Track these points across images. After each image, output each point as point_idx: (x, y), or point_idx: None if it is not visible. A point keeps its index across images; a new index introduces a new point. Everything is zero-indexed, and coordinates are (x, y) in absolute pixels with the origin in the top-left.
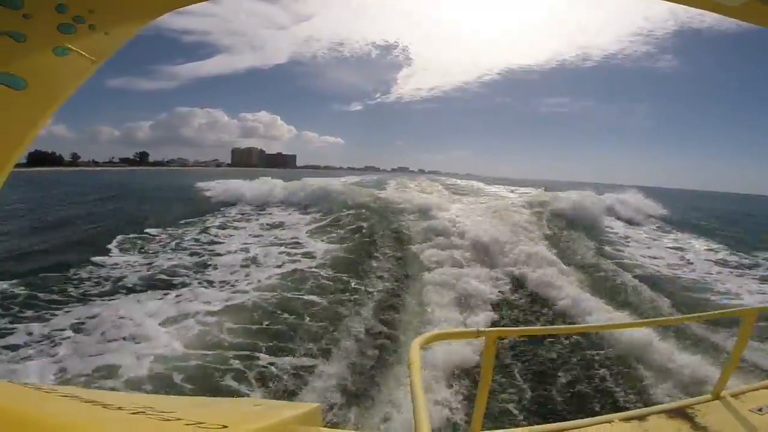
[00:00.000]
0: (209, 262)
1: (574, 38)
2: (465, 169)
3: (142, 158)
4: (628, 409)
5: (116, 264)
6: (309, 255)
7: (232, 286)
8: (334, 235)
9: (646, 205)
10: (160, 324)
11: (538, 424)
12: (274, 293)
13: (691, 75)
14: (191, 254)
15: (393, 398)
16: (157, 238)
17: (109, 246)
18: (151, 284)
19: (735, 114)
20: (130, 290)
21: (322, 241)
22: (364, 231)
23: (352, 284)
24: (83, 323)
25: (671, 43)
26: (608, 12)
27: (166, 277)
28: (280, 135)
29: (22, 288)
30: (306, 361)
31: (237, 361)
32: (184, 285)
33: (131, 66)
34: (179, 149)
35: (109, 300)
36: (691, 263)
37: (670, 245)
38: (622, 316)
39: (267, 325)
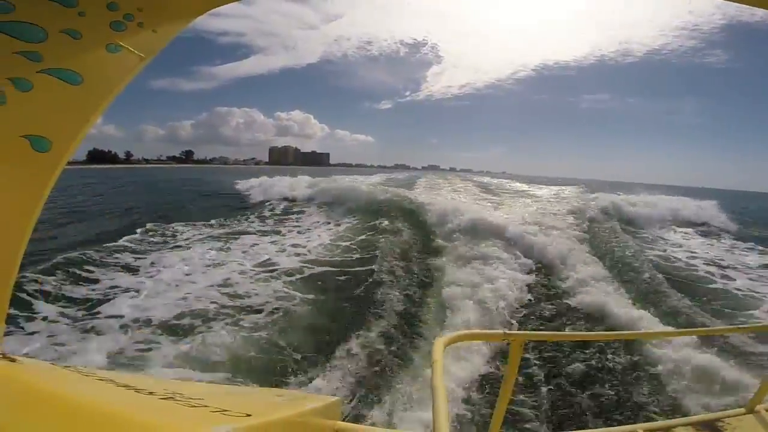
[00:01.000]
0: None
1: (613, 33)
2: (499, 167)
3: (187, 156)
4: (654, 419)
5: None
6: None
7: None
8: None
9: (704, 212)
10: None
11: (558, 430)
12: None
13: (744, 70)
14: None
15: (412, 396)
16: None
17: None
18: None
19: None
20: None
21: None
22: (386, 226)
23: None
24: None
25: (720, 38)
26: (650, 6)
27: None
28: (313, 133)
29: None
30: (324, 357)
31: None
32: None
33: (174, 67)
34: (218, 147)
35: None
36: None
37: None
38: (657, 324)
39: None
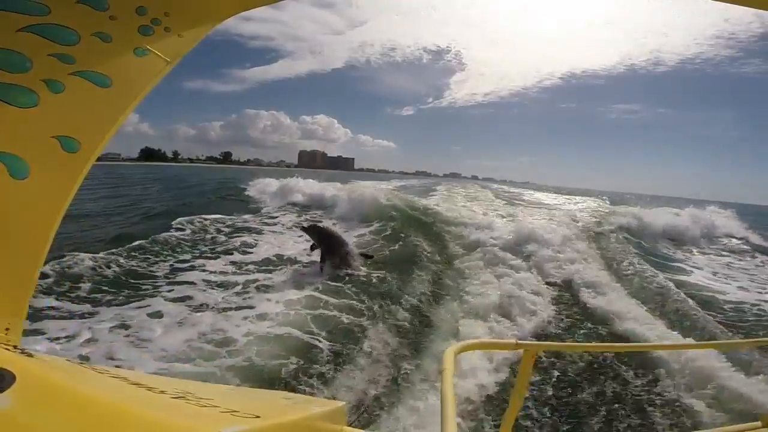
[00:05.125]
0: None
1: (645, 41)
2: (523, 177)
3: (225, 157)
4: None
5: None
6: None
7: None
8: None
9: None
10: None
11: None
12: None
13: None
14: None
15: (419, 405)
16: None
17: None
18: None
19: None
20: None
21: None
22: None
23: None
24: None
25: (759, 46)
26: (682, 13)
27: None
28: (337, 137)
29: None
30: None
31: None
32: None
33: (207, 70)
34: (246, 149)
35: None
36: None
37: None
38: (675, 337)
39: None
